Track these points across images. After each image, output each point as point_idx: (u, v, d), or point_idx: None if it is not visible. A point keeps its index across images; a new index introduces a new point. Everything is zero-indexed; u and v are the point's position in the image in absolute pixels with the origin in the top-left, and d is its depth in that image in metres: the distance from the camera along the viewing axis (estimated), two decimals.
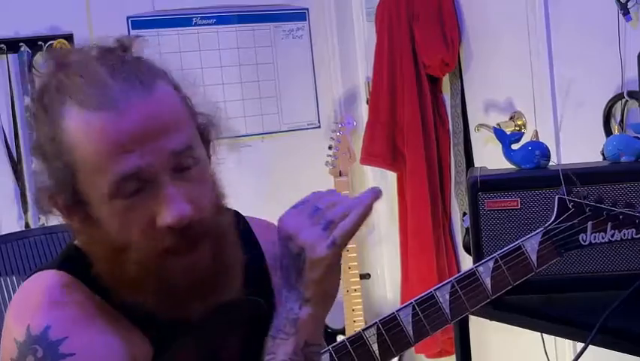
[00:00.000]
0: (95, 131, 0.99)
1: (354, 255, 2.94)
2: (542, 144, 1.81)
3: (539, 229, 1.31)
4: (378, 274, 3.25)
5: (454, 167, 2.83)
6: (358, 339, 1.19)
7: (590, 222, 1.32)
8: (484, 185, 1.75)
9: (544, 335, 2.10)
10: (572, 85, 2.42)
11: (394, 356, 1.23)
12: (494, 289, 1.28)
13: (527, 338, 2.08)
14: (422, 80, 2.81)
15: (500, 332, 2.20)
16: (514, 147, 1.80)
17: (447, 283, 1.25)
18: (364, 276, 3.07)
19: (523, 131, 1.94)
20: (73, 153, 1.01)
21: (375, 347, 1.19)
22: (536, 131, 1.80)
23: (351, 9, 3.20)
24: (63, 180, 1.03)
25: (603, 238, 1.33)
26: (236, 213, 1.20)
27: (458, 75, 2.79)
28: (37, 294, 1.05)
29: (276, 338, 1.05)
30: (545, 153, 1.79)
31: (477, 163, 2.75)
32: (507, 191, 1.73)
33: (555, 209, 1.32)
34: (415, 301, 1.23)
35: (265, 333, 1.18)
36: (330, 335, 3.00)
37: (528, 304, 1.86)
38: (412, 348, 2.95)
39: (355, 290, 2.95)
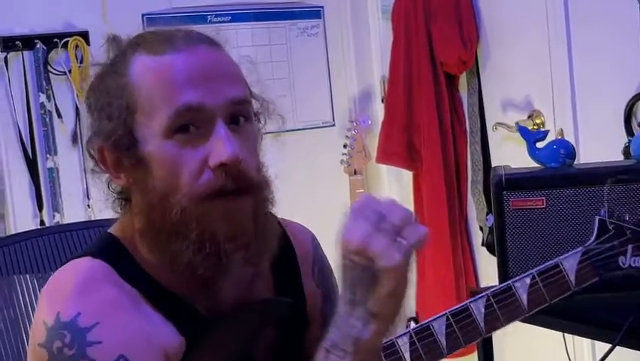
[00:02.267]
0: (161, 68, 1.03)
1: None
2: (567, 142, 1.79)
3: (579, 249, 1.28)
4: None
5: (471, 166, 2.81)
6: (390, 346, 1.16)
7: (630, 246, 1.30)
8: (510, 184, 1.72)
9: (554, 336, 2.09)
10: (592, 83, 2.40)
11: None
12: (530, 306, 1.25)
13: (544, 338, 2.06)
14: (439, 79, 2.78)
15: (518, 332, 2.17)
16: (539, 145, 1.78)
17: (482, 297, 1.23)
18: None
19: (547, 129, 1.92)
20: (135, 93, 1.04)
21: (407, 355, 1.17)
22: (562, 130, 1.77)
23: (366, 6, 3.17)
24: (121, 121, 1.04)
25: None
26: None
27: (475, 73, 2.76)
28: (71, 281, 1.05)
29: (330, 353, 0.96)
30: (571, 152, 1.76)
31: (494, 162, 2.72)
32: (533, 190, 1.71)
33: (595, 229, 1.30)
34: (449, 312, 1.21)
35: (294, 335, 1.18)
36: None
37: (551, 304, 1.84)
38: None
39: None
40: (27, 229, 1.86)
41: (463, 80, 2.83)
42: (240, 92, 1.05)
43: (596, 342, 2.36)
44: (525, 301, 1.24)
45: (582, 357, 2.42)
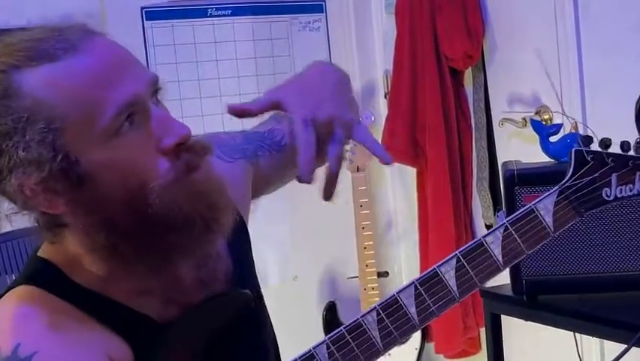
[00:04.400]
0: (78, 72, 0.94)
1: (372, 252, 2.89)
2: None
3: (554, 188, 1.13)
4: (396, 272, 3.19)
5: (477, 162, 2.77)
6: (357, 327, 1.08)
7: (614, 175, 1.14)
8: (522, 179, 1.68)
9: (572, 337, 2.05)
10: (602, 78, 2.35)
11: (398, 343, 1.13)
12: (506, 260, 1.12)
13: (550, 337, 2.02)
14: (444, 73, 2.74)
15: (527, 331, 2.13)
16: (552, 139, 1.73)
17: (451, 258, 1.10)
18: (382, 274, 3.01)
19: (561, 123, 1.87)
20: (54, 108, 0.93)
21: (375, 333, 1.08)
22: (576, 123, 1.72)
23: (369, 0, 3.13)
24: (45, 144, 0.93)
25: (631, 191, 1.14)
26: None
27: (481, 68, 2.72)
28: (7, 314, 0.99)
29: None
30: None
31: (500, 159, 2.68)
32: (545, 185, 1.64)
33: (572, 163, 1.14)
34: (417, 280, 1.09)
35: (254, 326, 1.15)
36: None
37: (562, 304, 1.81)
38: (432, 348, 2.93)
39: (373, 288, 2.90)
40: (22, 226, 1.80)
41: (468, 75, 2.79)
42: (149, 71, 1.02)
43: (606, 342, 2.32)
44: (499, 256, 1.11)
45: (590, 357, 2.38)
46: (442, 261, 1.11)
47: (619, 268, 1.79)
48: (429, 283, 1.09)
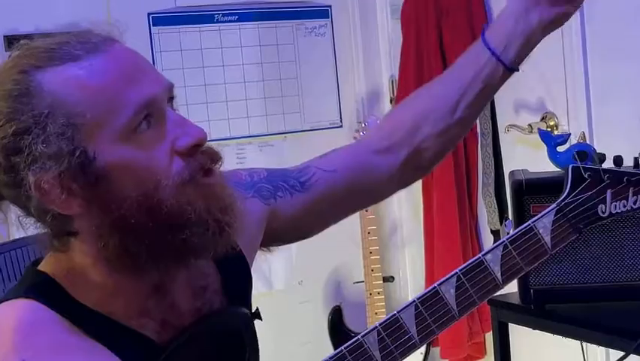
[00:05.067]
0: (95, 74, 0.97)
1: (378, 257, 2.88)
2: (589, 146, 1.74)
3: (552, 206, 1.14)
4: (401, 277, 3.19)
5: (482, 169, 2.75)
6: (358, 347, 1.07)
7: (609, 191, 1.14)
8: (530, 188, 1.67)
9: (578, 346, 2.04)
10: (608, 84, 2.34)
11: None
12: (505, 278, 1.12)
13: (556, 344, 2.01)
14: None
15: (529, 338, 2.12)
16: (560, 149, 1.72)
17: (452, 277, 1.11)
18: (388, 279, 3.01)
19: (569, 132, 1.86)
20: (74, 106, 0.95)
21: (377, 354, 1.07)
22: (583, 133, 1.71)
23: (375, 6, 3.12)
24: (65, 140, 0.95)
25: (625, 207, 1.14)
26: None
27: None
28: (10, 328, 0.97)
29: None
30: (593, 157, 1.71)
31: (506, 165, 2.67)
32: (553, 195, 1.63)
33: (569, 180, 1.14)
34: (417, 299, 1.10)
35: (251, 343, 1.14)
36: (353, 338, 2.93)
37: (569, 313, 1.80)
38: (437, 354, 2.92)
39: (379, 293, 2.90)
40: (33, 233, 1.80)
41: None
42: (165, 77, 1.03)
43: (610, 350, 2.31)
44: (499, 274, 1.11)
45: None
46: (442, 279, 1.11)
47: (625, 277, 1.79)
48: (430, 302, 1.10)
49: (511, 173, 1.79)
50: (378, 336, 1.07)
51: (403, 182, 1.40)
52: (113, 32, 1.03)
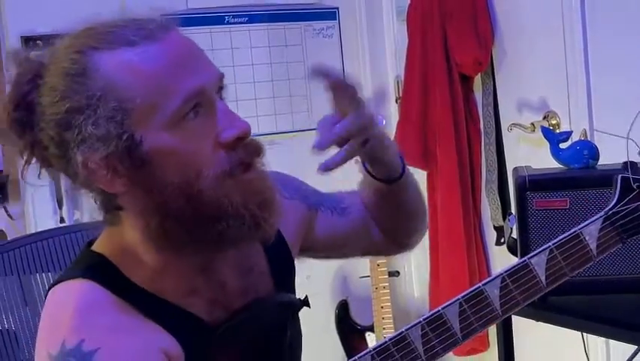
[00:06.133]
0: (151, 59, 0.97)
1: None
2: (591, 143, 1.75)
3: (600, 214, 1.13)
4: (406, 272, 3.19)
5: (485, 166, 2.76)
6: (402, 340, 1.08)
7: None
8: (533, 184, 1.68)
9: (579, 337, 2.05)
10: (609, 84, 2.34)
11: (441, 356, 1.14)
12: (549, 281, 1.11)
13: (558, 335, 2.02)
14: (454, 79, 2.74)
15: (537, 330, 2.13)
16: (562, 146, 1.73)
17: (496, 278, 1.11)
18: (393, 274, 3.02)
19: (571, 130, 1.87)
20: (125, 91, 0.96)
21: (420, 347, 1.08)
22: (585, 131, 1.72)
23: (381, 8, 3.13)
24: (114, 123, 0.96)
25: None
26: None
27: (491, 74, 2.71)
28: (69, 309, 1.01)
29: None
30: (594, 153, 1.72)
31: (509, 163, 2.68)
32: (556, 191, 1.66)
33: (617, 191, 1.13)
34: (462, 297, 1.10)
35: (294, 329, 1.16)
36: (359, 331, 2.94)
37: (571, 306, 1.81)
38: None
39: (384, 288, 2.90)
40: (47, 228, 1.83)
41: (478, 81, 2.78)
42: (217, 67, 1.04)
43: (611, 342, 2.32)
44: (543, 278, 1.11)
45: (596, 354, 2.38)
46: (487, 280, 1.11)
47: (627, 271, 1.79)
48: (473, 301, 1.10)
49: (515, 169, 1.80)
50: (422, 331, 1.08)
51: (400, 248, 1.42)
52: (171, 21, 1.03)
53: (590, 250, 1.12)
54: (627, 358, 1.48)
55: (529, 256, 1.11)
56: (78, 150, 0.97)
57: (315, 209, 1.29)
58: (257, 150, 1.04)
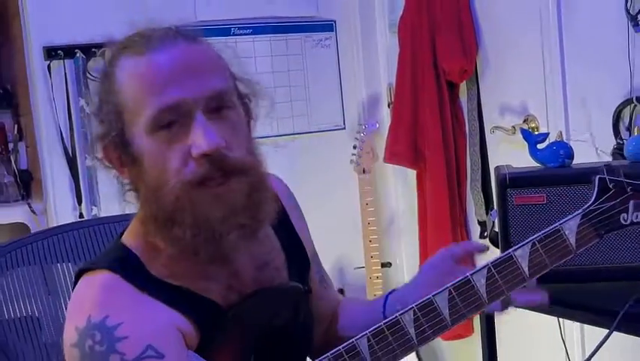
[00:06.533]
0: (141, 69, 1.00)
1: (377, 245, 2.89)
2: (566, 144, 1.75)
3: (578, 211, 1.14)
4: (398, 263, 3.20)
5: (470, 166, 2.76)
6: (396, 323, 1.09)
7: (631, 202, 1.14)
8: (513, 182, 1.68)
9: (555, 322, 2.05)
10: (583, 90, 2.35)
11: (431, 339, 1.15)
12: (531, 272, 1.12)
13: (537, 321, 2.02)
14: (442, 86, 2.74)
15: (513, 316, 2.14)
16: (540, 146, 1.74)
17: (483, 268, 1.11)
18: (385, 265, 3.02)
19: (547, 132, 1.88)
20: (121, 95, 1.01)
21: (412, 331, 1.08)
22: (561, 132, 1.73)
23: (374, 21, 3.13)
24: (112, 123, 1.03)
25: None
26: None
27: (475, 81, 2.72)
28: (95, 292, 1.03)
29: None
30: (569, 153, 1.72)
31: (492, 163, 2.68)
32: (534, 187, 1.66)
33: (595, 190, 1.14)
34: (451, 285, 1.10)
35: (303, 315, 1.16)
36: None
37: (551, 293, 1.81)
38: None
39: (377, 277, 2.90)
40: (67, 222, 1.83)
41: (463, 88, 2.79)
42: (217, 83, 1.01)
43: (586, 327, 2.33)
44: (526, 269, 1.11)
45: (572, 339, 2.38)
46: (474, 270, 1.12)
47: (600, 261, 1.79)
48: (461, 289, 1.10)
49: (496, 168, 1.81)
50: (414, 315, 1.09)
51: None
52: (186, 32, 1.04)
53: (570, 244, 1.12)
54: (600, 341, 1.47)
55: (513, 248, 1.12)
56: (97, 138, 1.06)
57: (322, 276, 1.32)
58: (234, 168, 1.01)
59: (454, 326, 1.11)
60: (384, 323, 1.09)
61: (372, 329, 1.08)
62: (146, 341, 0.98)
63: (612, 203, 1.14)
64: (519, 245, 1.12)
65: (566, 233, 1.12)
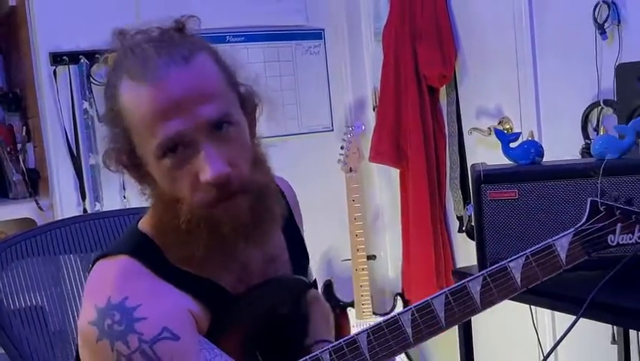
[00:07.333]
0: (142, 101, 0.98)
1: (363, 239, 2.90)
2: (537, 142, 1.75)
3: (571, 230, 1.16)
4: (382, 256, 3.20)
5: (449, 165, 2.77)
6: (394, 322, 1.09)
7: (619, 225, 1.18)
8: (487, 178, 1.68)
9: (528, 309, 2.06)
10: (554, 94, 2.37)
11: (426, 339, 1.14)
12: (523, 283, 1.14)
13: (510, 309, 2.03)
14: (423, 90, 2.75)
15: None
16: (512, 145, 1.74)
17: (479, 276, 1.12)
18: (371, 257, 3.02)
19: (520, 131, 1.88)
20: (128, 119, 1.00)
21: (409, 330, 1.09)
22: (532, 132, 1.73)
23: (360, 30, 3.14)
24: (122, 143, 1.02)
25: (630, 240, 1.18)
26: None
27: (454, 86, 2.73)
28: (114, 275, 1.03)
29: None
30: (540, 151, 1.73)
31: (469, 161, 2.68)
32: (507, 183, 1.67)
33: (587, 211, 1.17)
34: (448, 290, 1.11)
35: (304, 307, 1.16)
36: (341, 307, 2.95)
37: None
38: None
39: (363, 269, 2.90)
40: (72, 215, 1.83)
41: (443, 92, 2.80)
42: (214, 111, 0.98)
43: (556, 313, 2.34)
44: (519, 280, 1.12)
45: (544, 325, 2.39)
46: (470, 278, 1.12)
47: None
48: (458, 295, 1.11)
49: (472, 165, 1.81)
50: (411, 316, 1.09)
51: None
52: (192, 40, 1.01)
53: (560, 259, 1.14)
54: (568, 326, 1.48)
55: (508, 260, 1.13)
56: (110, 150, 1.06)
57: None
58: (239, 189, 1.00)
59: (448, 328, 1.11)
60: (383, 321, 1.09)
61: (372, 325, 1.09)
62: (162, 323, 0.98)
63: (602, 224, 1.17)
64: (514, 257, 1.13)
65: (558, 249, 1.14)
